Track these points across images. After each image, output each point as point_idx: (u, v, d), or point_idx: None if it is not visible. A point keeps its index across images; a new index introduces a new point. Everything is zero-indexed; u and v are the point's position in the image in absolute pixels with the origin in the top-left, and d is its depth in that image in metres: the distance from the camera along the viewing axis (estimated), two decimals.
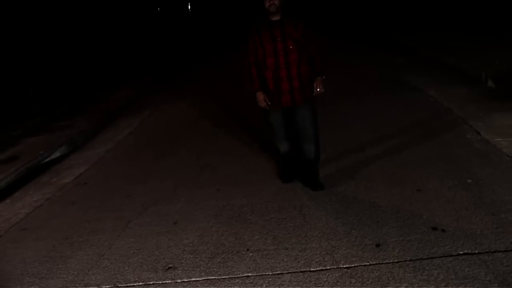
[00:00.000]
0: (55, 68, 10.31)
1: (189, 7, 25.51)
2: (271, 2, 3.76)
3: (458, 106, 5.98)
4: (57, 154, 6.93)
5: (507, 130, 4.92)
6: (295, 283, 2.81)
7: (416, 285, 2.62)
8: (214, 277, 3.01)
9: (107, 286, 3.10)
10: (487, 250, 2.84)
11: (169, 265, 3.23)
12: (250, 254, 3.21)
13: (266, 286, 2.82)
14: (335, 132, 5.54)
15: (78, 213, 4.48)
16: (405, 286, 2.62)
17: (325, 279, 2.80)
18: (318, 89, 3.90)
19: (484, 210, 3.34)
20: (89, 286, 3.13)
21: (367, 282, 2.71)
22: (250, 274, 2.97)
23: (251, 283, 2.88)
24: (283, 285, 2.81)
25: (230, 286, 2.90)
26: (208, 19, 25.40)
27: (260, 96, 3.99)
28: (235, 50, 6.24)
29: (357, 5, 20.43)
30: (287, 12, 3.92)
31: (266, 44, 3.85)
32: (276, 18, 3.86)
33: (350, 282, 2.73)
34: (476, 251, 2.85)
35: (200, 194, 4.44)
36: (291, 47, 3.81)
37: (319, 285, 2.75)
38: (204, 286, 2.93)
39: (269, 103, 3.98)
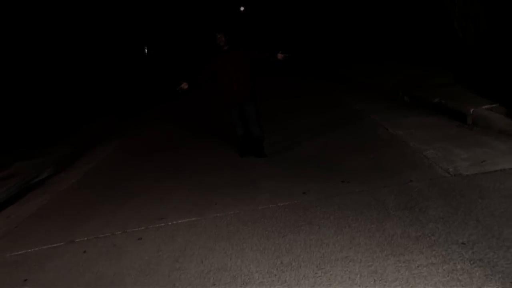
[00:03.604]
0: (28, 104, 11.56)
1: (146, 51, 27.24)
2: (220, 39, 5.68)
3: (375, 114, 7.65)
4: (45, 174, 8.08)
5: (407, 126, 6.57)
6: (248, 214, 4.27)
7: (324, 206, 4.12)
8: (193, 218, 4.41)
9: (118, 232, 4.41)
10: (373, 188, 4.37)
11: (161, 217, 4.59)
12: (217, 206, 4.63)
13: (229, 218, 4.24)
14: (280, 133, 7.13)
15: (81, 203, 5.72)
16: (320, 208, 4.11)
17: (268, 211, 4.26)
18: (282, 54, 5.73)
19: (377, 170, 4.90)
20: (104, 233, 4.43)
21: (295, 210, 4.18)
22: (218, 215, 4.40)
23: (218, 218, 4.30)
24: (239, 216, 4.26)
25: (203, 222, 4.31)
26: (165, 61, 27.21)
27: (184, 84, 5.82)
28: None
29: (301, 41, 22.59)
30: (232, 43, 5.80)
31: (222, 65, 5.71)
32: (225, 48, 5.71)
33: (284, 211, 4.20)
34: (367, 189, 4.38)
35: (177, 180, 5.82)
36: (237, 65, 5.70)
37: (264, 214, 4.20)
38: (187, 224, 4.32)
39: (182, 88, 5.81)
